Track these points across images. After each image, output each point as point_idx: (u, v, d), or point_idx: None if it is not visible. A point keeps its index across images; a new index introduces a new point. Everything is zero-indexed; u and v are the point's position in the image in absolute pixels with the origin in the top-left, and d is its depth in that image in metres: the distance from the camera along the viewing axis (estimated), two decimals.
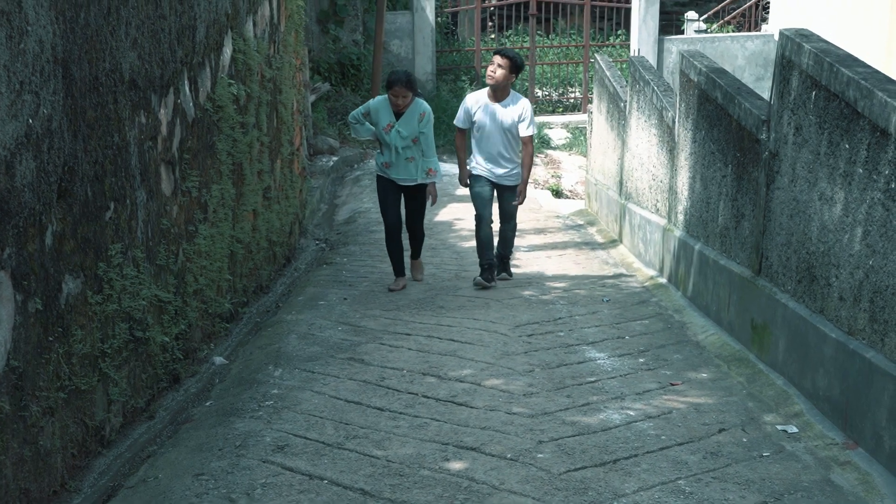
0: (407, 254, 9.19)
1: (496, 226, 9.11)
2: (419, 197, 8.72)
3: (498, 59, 8.52)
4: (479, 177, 8.78)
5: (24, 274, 3.96)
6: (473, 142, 8.87)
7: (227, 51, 7.14)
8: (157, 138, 5.62)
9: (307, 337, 6.97)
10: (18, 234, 3.91)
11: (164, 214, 5.74)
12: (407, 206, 8.78)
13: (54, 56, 4.16)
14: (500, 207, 8.93)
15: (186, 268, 6.15)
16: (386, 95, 8.50)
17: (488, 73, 8.58)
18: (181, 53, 5.98)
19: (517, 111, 8.62)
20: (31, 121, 3.95)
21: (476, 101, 8.75)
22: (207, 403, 5.77)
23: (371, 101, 8.61)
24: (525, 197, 8.83)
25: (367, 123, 8.55)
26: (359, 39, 19.11)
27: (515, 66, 8.54)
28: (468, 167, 8.91)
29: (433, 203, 8.76)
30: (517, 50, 21.21)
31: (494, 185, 8.80)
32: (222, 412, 5.50)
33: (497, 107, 8.64)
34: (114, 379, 4.93)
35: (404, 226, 8.91)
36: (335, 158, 15.93)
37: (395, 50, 19.87)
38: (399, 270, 8.86)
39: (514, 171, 8.76)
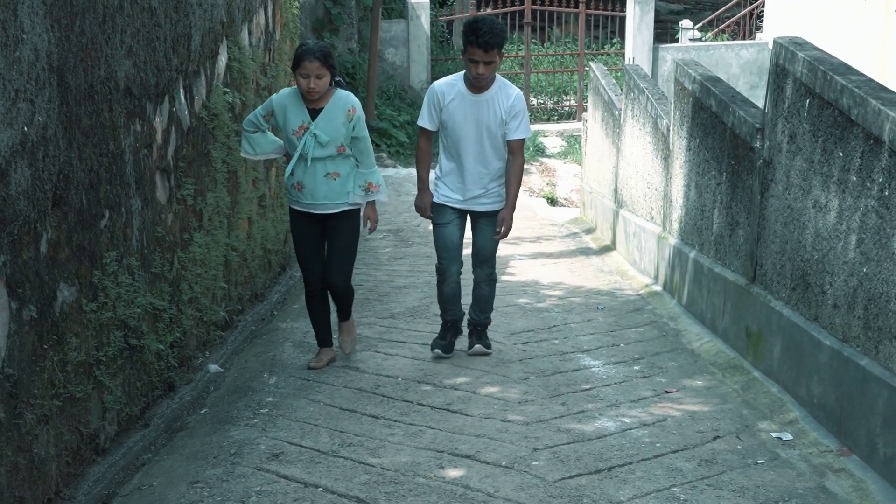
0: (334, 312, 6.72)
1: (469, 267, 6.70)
2: (344, 230, 6.22)
3: (478, 52, 6.07)
4: (443, 207, 6.43)
5: (18, 282, 3.95)
6: (441, 150, 6.52)
7: (223, 59, 7.15)
8: (153, 146, 5.62)
9: (302, 345, 6.97)
10: (13, 242, 3.90)
11: (159, 222, 5.74)
12: (329, 247, 6.30)
13: (49, 64, 4.16)
14: (473, 244, 6.55)
15: (181, 276, 6.15)
16: (293, 88, 6.18)
17: (473, 73, 6.15)
18: (176, 62, 5.99)
19: (506, 105, 6.26)
20: (26, 129, 3.95)
21: (449, 90, 6.32)
22: (202, 411, 5.76)
23: (274, 96, 6.25)
24: (510, 227, 6.43)
25: (268, 132, 6.32)
26: (354, 48, 19.12)
27: (502, 47, 6.21)
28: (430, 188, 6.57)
29: (372, 230, 6.39)
30: (511, 59, 21.44)
31: (466, 213, 6.49)
32: (217, 420, 5.50)
33: (478, 99, 6.24)
34: (108, 387, 4.93)
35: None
36: None
37: (391, 58, 19.90)
38: (324, 339, 6.52)
39: (495, 191, 6.41)
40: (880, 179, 4.59)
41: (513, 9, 21.24)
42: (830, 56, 5.52)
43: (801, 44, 5.76)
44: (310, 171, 6.09)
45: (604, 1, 22.37)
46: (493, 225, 6.43)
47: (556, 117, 21.02)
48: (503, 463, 4.78)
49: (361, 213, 6.37)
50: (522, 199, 14.00)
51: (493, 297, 6.73)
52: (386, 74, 19.62)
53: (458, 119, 6.30)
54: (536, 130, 19.38)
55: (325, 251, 6.33)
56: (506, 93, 6.31)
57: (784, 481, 4.59)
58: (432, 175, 6.56)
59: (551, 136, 19.74)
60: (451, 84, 6.36)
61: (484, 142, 6.31)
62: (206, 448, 5.06)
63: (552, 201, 16.54)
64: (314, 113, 6.09)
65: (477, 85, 6.22)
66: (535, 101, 21.05)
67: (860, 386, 4.67)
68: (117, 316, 5.00)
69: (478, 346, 6.68)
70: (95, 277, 4.75)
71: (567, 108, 21.13)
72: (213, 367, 6.51)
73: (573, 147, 18.67)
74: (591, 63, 13.78)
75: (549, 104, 21.23)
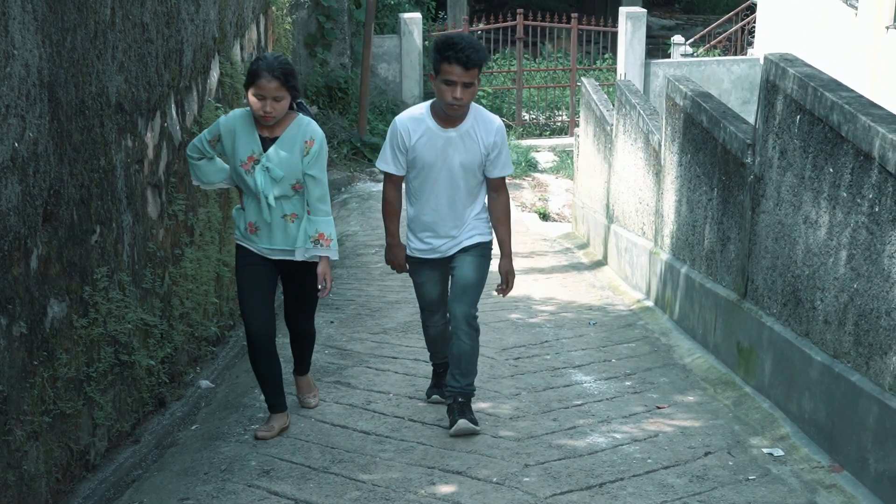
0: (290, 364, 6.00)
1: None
2: (303, 280, 5.40)
3: (457, 70, 5.07)
4: (421, 262, 5.53)
5: (8, 298, 3.95)
6: (408, 196, 5.53)
7: (215, 74, 7.16)
8: (144, 162, 5.62)
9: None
10: (3, 258, 3.90)
11: (150, 238, 5.73)
12: (286, 291, 5.57)
13: (40, 80, 4.16)
14: (452, 280, 5.51)
15: (172, 291, 6.14)
16: (245, 109, 5.21)
17: (449, 98, 5.12)
18: (168, 77, 5.99)
19: (487, 141, 5.30)
20: (16, 144, 3.94)
21: (416, 126, 5.30)
22: (193, 427, 5.75)
23: (222, 118, 5.25)
24: (513, 281, 5.57)
25: (216, 158, 5.33)
26: (346, 63, 19.15)
27: (482, 68, 5.22)
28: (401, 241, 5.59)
29: (325, 293, 5.33)
30: (504, 75, 21.49)
31: (446, 260, 5.51)
32: (208, 436, 5.49)
33: (452, 135, 5.26)
34: (99, 403, 4.91)
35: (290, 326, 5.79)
36: None
37: (383, 73, 19.92)
38: (277, 403, 5.49)
39: (472, 224, 5.44)
40: (870, 195, 4.60)
41: (505, 24, 21.28)
42: (821, 72, 5.53)
43: (791, 60, 5.77)
44: (263, 211, 5.16)
45: (596, 16, 22.41)
46: (479, 254, 5.46)
47: (548, 132, 21.04)
48: (494, 479, 4.77)
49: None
50: (514, 213, 14.00)
51: (477, 355, 5.50)
52: (378, 89, 19.64)
53: (428, 160, 5.28)
54: (528, 146, 19.43)
55: (289, 299, 5.59)
56: (485, 125, 5.31)
57: (775, 497, 4.59)
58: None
59: (543, 151, 19.76)
60: (418, 119, 5.29)
61: (459, 185, 5.35)
62: (196, 464, 5.04)
63: (544, 216, 16.54)
64: (267, 142, 5.12)
65: (451, 115, 5.19)
66: (527, 117, 21.08)
67: (851, 402, 4.68)
68: (108, 332, 4.99)
69: (462, 423, 5.36)
70: (86, 293, 4.74)
71: (559, 124, 21.15)
72: (204, 383, 6.50)
73: (565, 162, 18.70)
74: (582, 78, 13.81)
75: (542, 119, 21.25)
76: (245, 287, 5.34)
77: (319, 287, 5.27)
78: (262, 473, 4.86)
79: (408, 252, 5.55)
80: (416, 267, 5.59)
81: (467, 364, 5.44)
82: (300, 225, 5.20)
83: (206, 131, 5.30)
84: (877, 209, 4.53)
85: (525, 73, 21.30)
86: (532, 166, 18.84)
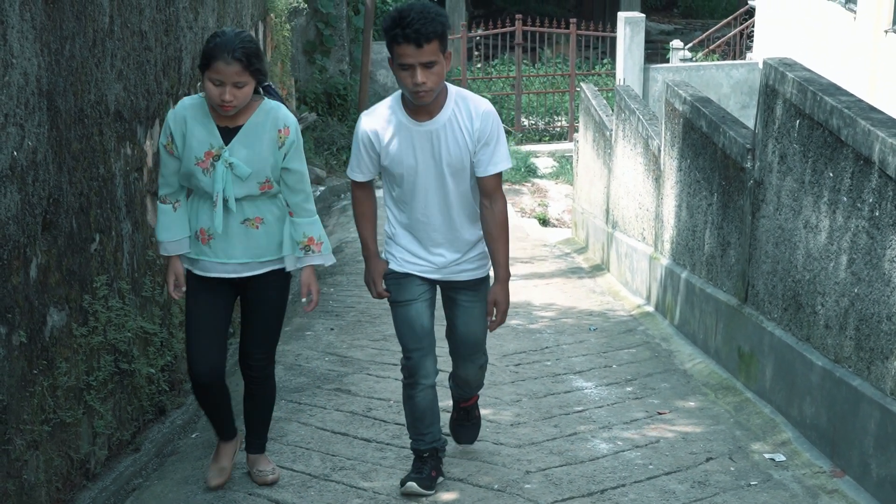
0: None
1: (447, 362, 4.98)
2: (269, 301, 4.54)
3: (410, 50, 4.11)
4: (404, 277, 4.53)
5: (8, 307, 3.94)
6: (387, 201, 4.57)
7: None
8: (143, 170, 5.62)
9: (294, 368, 6.94)
10: (2, 267, 3.89)
11: (149, 246, 5.73)
12: (243, 317, 4.63)
13: (39, 88, 4.16)
14: (451, 331, 4.76)
15: (172, 299, 6.13)
16: (197, 96, 4.40)
17: (410, 83, 4.16)
18: (167, 85, 5.99)
19: (472, 128, 4.33)
20: (15, 153, 3.94)
21: (384, 125, 4.38)
22: (193, 435, 5.74)
23: (169, 112, 4.44)
24: (506, 312, 4.63)
25: (181, 197, 4.45)
26: (345, 69, 19.16)
27: (445, 39, 4.21)
28: (382, 256, 4.64)
29: (312, 306, 4.58)
30: (503, 80, 21.50)
31: (436, 283, 4.61)
32: (209, 444, 5.47)
33: (428, 128, 4.32)
34: (99, 411, 4.90)
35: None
36: (322, 188, 15.92)
37: (382, 80, 19.93)
38: (227, 430, 4.80)
39: (477, 251, 4.56)
40: (870, 200, 4.59)
41: (503, 30, 21.31)
42: (820, 76, 5.53)
43: (790, 64, 5.77)
44: (220, 217, 4.29)
45: (594, 22, 22.44)
46: (480, 299, 4.60)
47: (547, 138, 21.07)
48: (496, 486, 4.76)
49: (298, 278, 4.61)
50: (514, 219, 14.01)
51: (484, 375, 5.00)
52: (378, 96, 19.63)
53: (406, 162, 4.33)
54: (528, 151, 19.45)
55: (246, 328, 4.64)
56: (468, 109, 4.30)
57: (777, 503, 4.58)
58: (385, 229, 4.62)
59: (543, 156, 19.79)
60: (385, 114, 4.35)
61: (447, 185, 4.36)
62: (197, 473, 5.03)
63: (544, 222, 16.55)
64: (228, 133, 4.28)
65: (420, 105, 4.23)
66: (526, 122, 21.11)
67: (852, 406, 4.67)
68: (108, 340, 4.98)
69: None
70: (86, 302, 4.74)
71: (558, 129, 21.18)
72: None
73: (565, 167, 18.71)
74: (581, 84, 13.82)
75: (541, 125, 21.28)
76: (193, 320, 4.49)
77: (304, 300, 4.50)
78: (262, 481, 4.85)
79: (393, 266, 4.52)
80: (400, 283, 4.49)
81: (475, 381, 4.94)
82: (267, 231, 4.38)
83: (162, 135, 4.41)
84: (877, 213, 4.53)
85: (524, 78, 21.33)
86: (532, 172, 18.86)
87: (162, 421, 5.87)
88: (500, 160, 4.35)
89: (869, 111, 4.86)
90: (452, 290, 4.61)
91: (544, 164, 19.47)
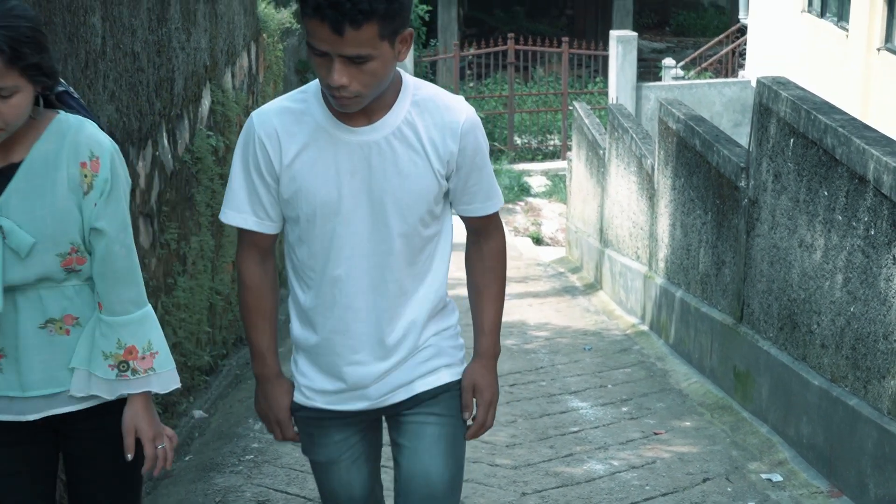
0: None
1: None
2: (98, 453, 2.80)
3: (326, 33, 2.31)
4: (315, 417, 2.75)
5: None
6: (288, 268, 2.72)
7: (206, 102, 7.14)
8: (136, 191, 5.59)
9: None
10: None
11: (142, 267, 5.69)
12: (69, 484, 2.90)
13: None
14: (402, 470, 2.75)
15: (165, 320, 6.10)
16: None
17: (326, 79, 2.40)
18: (159, 106, 5.97)
19: (440, 146, 2.58)
20: None
21: (293, 128, 2.56)
22: (187, 458, 5.70)
23: None
24: (493, 404, 2.94)
25: None
26: None
27: (396, 19, 2.38)
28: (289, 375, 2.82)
29: (157, 468, 2.89)
30: (495, 99, 21.52)
31: (376, 417, 2.81)
32: (202, 467, 5.44)
33: (366, 139, 2.54)
34: None
35: None
36: None
37: None
38: None
39: (433, 341, 2.78)
40: (866, 218, 4.58)
41: (496, 49, 21.36)
42: (813, 95, 5.54)
43: (784, 83, 5.78)
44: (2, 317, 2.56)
45: (587, 40, 22.50)
46: (450, 414, 2.80)
47: (540, 156, 21.10)
48: None
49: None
50: (507, 238, 14.00)
51: None
52: None
53: (322, 193, 2.57)
54: (521, 170, 19.47)
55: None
56: (438, 115, 2.61)
57: None
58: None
59: (536, 175, 19.82)
60: (296, 113, 2.59)
61: (388, 231, 2.60)
62: (190, 496, 5.00)
63: (537, 241, 16.56)
64: None
65: (341, 108, 2.50)
66: (519, 141, 21.15)
67: (849, 426, 4.65)
68: None
69: None
70: None
71: (551, 148, 21.21)
72: (198, 413, 6.45)
73: (558, 186, 18.73)
74: (574, 103, 13.85)
75: (534, 143, 21.32)
76: None
77: (128, 455, 2.76)
78: None
79: (298, 400, 2.77)
80: (311, 428, 2.80)
81: None
82: (81, 337, 2.65)
83: None
84: (872, 232, 4.52)
85: (516, 97, 21.37)
86: (525, 191, 18.88)
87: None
88: (496, 190, 2.75)
89: (863, 129, 4.86)
90: (399, 409, 2.76)
91: (537, 182, 19.49)
